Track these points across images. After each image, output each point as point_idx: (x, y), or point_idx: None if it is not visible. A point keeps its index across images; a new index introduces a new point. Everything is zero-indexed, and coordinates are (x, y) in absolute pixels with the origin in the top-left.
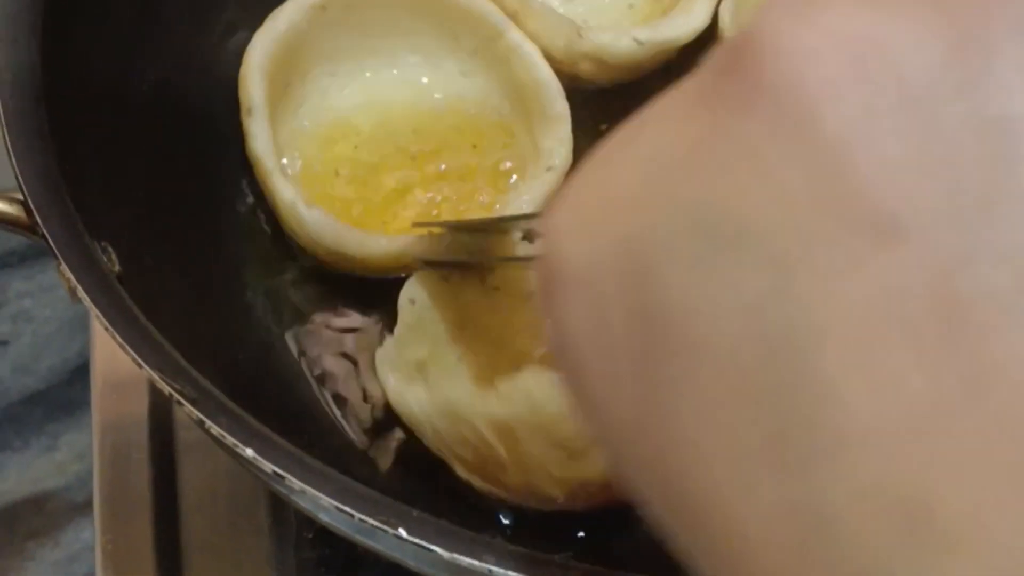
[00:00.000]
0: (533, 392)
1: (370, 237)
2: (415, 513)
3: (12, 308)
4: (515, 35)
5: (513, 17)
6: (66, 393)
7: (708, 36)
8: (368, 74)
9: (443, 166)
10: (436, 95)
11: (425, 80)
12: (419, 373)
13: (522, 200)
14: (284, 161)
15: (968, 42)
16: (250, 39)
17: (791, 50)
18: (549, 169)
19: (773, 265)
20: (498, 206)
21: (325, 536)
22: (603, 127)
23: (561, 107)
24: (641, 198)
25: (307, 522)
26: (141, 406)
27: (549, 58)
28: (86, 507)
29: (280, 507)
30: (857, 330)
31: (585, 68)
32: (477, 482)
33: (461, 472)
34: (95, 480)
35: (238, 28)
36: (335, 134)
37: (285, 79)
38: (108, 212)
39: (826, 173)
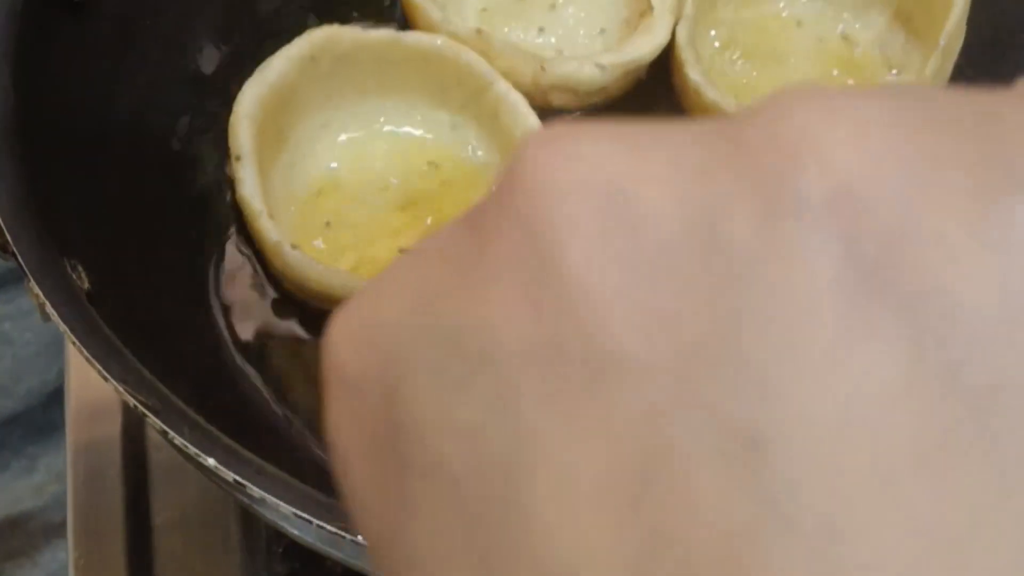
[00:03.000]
0: None
1: (353, 277)
2: None
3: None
4: (502, 86)
5: (483, 56)
6: (45, 415)
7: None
8: (359, 126)
9: (430, 219)
10: (426, 147)
11: (416, 133)
12: None
13: None
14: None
15: (707, 203)
16: (226, 76)
17: (544, 184)
18: None
19: (501, 390)
20: None
21: (295, 550)
22: None
23: None
24: (405, 312)
25: (277, 537)
26: (114, 427)
27: (519, 91)
28: (64, 528)
29: (250, 524)
30: (564, 468)
31: (556, 97)
32: None
33: None
34: (69, 500)
35: (214, 62)
36: (326, 185)
37: (276, 128)
38: (79, 232)
39: (557, 306)
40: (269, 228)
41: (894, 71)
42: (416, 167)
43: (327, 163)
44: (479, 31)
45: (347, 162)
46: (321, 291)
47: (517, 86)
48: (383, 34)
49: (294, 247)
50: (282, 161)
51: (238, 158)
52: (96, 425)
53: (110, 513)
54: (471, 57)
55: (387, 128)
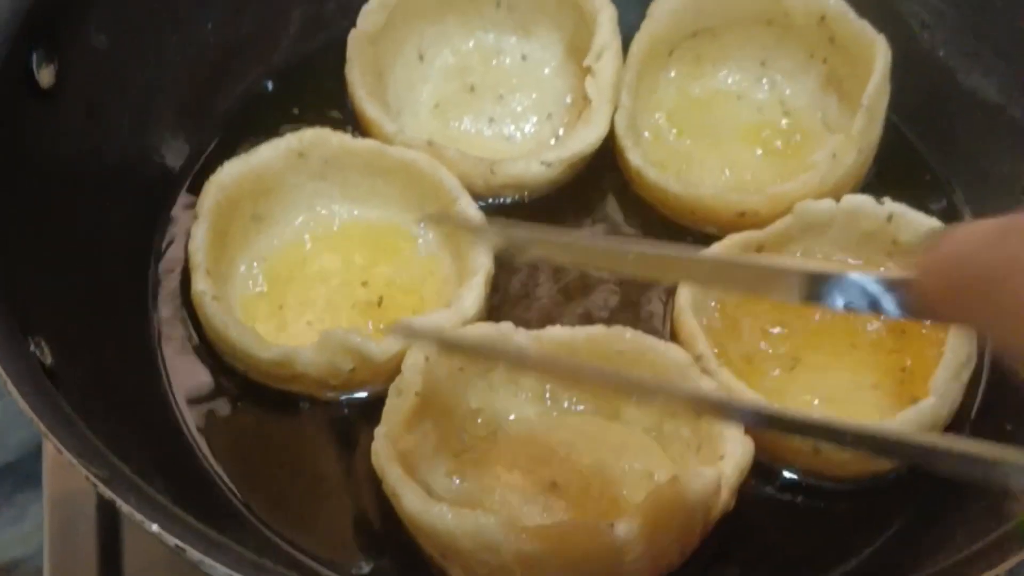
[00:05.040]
0: (570, 543)
1: (261, 339)
2: None
3: None
4: (465, 201)
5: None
6: (35, 465)
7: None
8: (335, 220)
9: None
10: (398, 247)
11: (389, 233)
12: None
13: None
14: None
15: None
16: (190, 149)
17: None
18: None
19: None
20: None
21: None
22: None
23: (484, 261)
24: None
25: None
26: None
27: (473, 191)
28: None
29: None
30: None
31: (509, 192)
32: None
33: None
34: (45, 551)
35: (180, 154)
36: (294, 272)
37: (252, 208)
38: (43, 309)
39: None
40: (198, 279)
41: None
42: (382, 267)
43: (299, 248)
44: (430, 143)
45: (318, 250)
46: (235, 345)
47: (470, 188)
48: (370, 143)
49: (215, 299)
50: (252, 239)
51: (195, 217)
52: (71, 478)
53: (84, 563)
54: (444, 173)
55: (362, 226)
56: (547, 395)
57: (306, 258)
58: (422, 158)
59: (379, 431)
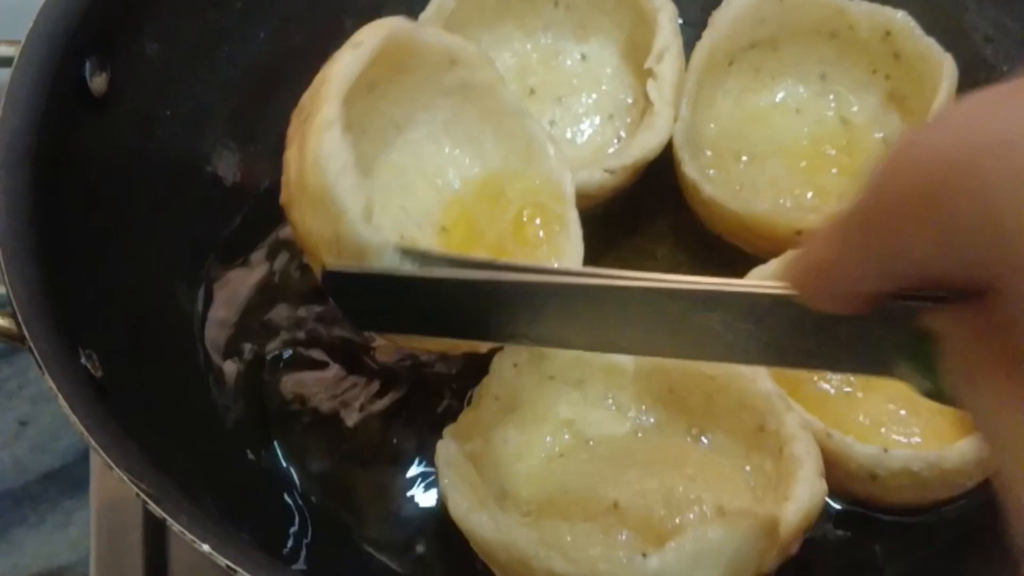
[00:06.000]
0: (600, 570)
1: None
2: None
3: (32, 390)
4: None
5: None
6: (81, 471)
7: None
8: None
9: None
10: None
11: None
12: (481, 497)
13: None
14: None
15: None
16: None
17: None
18: None
19: None
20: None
21: None
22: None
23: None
24: None
25: None
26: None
27: None
28: None
29: None
30: None
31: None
32: None
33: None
34: (91, 560)
35: (225, 144)
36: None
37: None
38: (95, 321)
39: None
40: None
41: None
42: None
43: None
44: None
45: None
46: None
47: None
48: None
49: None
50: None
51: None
52: (119, 486)
53: (131, 570)
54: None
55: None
56: (638, 411)
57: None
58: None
59: (447, 430)
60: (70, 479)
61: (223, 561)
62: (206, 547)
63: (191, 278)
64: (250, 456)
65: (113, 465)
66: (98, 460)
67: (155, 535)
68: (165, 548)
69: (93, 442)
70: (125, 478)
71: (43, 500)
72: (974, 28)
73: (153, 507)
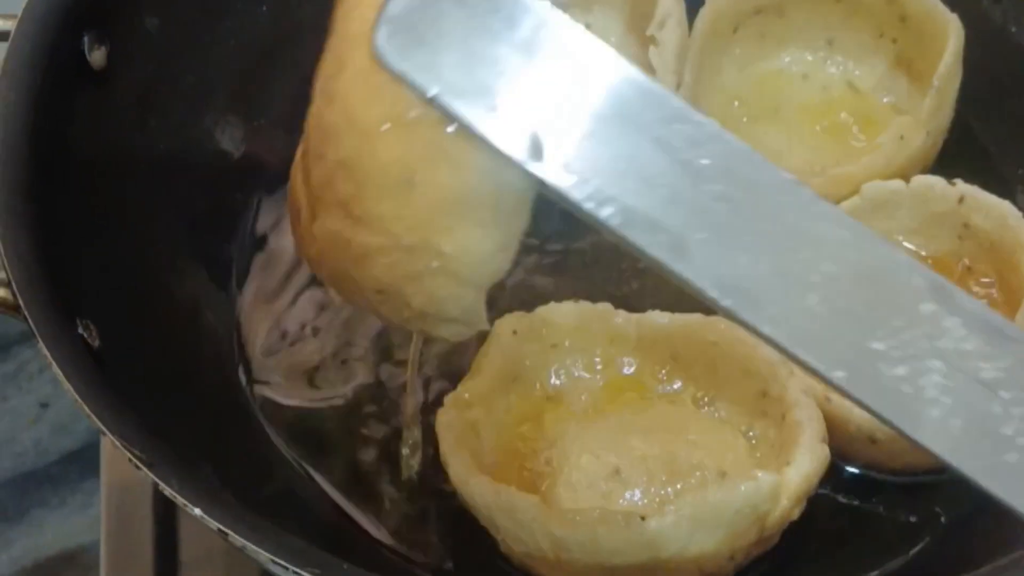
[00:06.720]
0: (599, 533)
1: None
2: (345, 566)
3: (52, 372)
4: None
5: None
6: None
7: None
8: None
9: None
10: None
11: None
12: (482, 463)
13: None
14: None
15: None
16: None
17: None
18: None
19: None
20: None
21: None
22: None
23: None
24: None
25: None
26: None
27: None
28: None
29: None
30: None
31: None
32: (517, 561)
33: (504, 548)
34: (102, 540)
35: (228, 118)
36: None
37: None
38: (92, 291)
39: None
40: None
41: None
42: None
43: None
44: None
45: None
46: None
47: None
48: None
49: None
50: None
51: None
52: (129, 466)
53: (140, 551)
54: None
55: None
56: (640, 378)
57: None
58: None
59: (448, 397)
60: (90, 460)
61: (214, 524)
62: (197, 511)
63: (191, 247)
64: (252, 427)
65: (106, 431)
66: (108, 440)
67: (165, 516)
68: (175, 528)
69: (86, 408)
70: (116, 443)
71: (63, 481)
72: None
73: (145, 471)
